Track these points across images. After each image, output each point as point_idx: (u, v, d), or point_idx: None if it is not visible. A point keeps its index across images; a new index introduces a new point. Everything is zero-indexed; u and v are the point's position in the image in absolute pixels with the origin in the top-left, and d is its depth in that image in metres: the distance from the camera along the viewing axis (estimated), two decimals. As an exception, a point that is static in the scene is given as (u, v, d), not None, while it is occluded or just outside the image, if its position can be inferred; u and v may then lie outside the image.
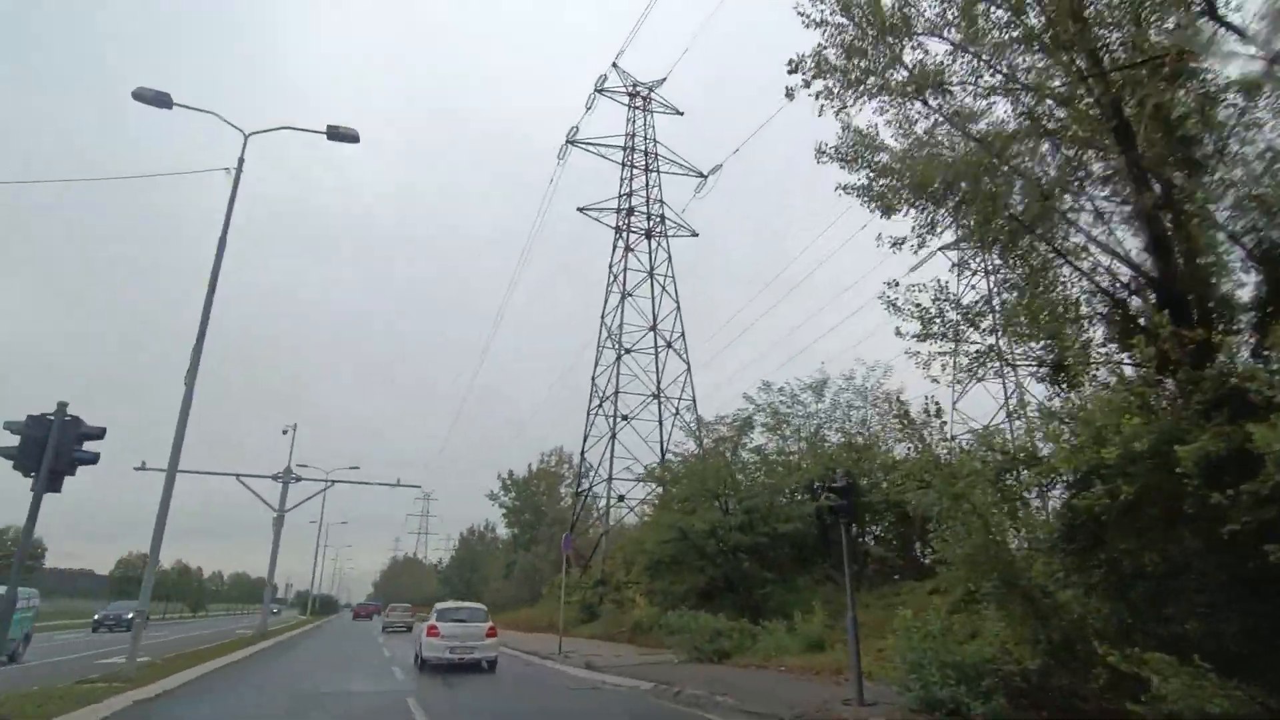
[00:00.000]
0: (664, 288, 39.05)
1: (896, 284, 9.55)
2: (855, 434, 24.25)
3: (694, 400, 36.31)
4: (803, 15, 9.06)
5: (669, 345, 38.10)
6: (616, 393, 35.49)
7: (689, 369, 37.19)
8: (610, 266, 40.66)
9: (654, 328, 38.11)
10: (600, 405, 37.43)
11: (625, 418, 35.78)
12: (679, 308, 38.45)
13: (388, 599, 67.46)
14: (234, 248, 12.89)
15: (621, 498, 35.37)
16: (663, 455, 36.29)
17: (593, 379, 38.89)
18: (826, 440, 24.23)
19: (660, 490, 31.41)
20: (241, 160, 13.11)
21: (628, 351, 37.30)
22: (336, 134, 13.82)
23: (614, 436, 34.52)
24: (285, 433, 25.91)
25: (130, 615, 27.61)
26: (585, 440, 37.98)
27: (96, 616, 30.99)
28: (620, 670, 13.64)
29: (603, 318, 39.67)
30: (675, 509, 21.14)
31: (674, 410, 36.45)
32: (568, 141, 42.30)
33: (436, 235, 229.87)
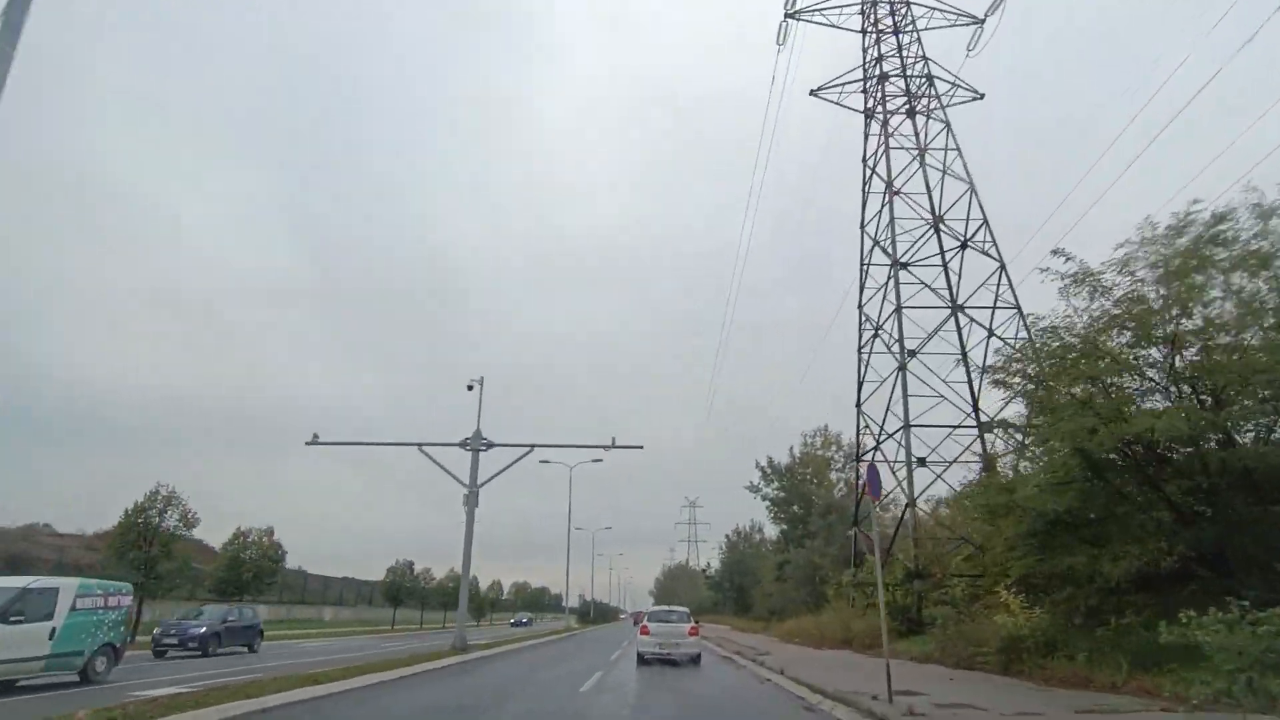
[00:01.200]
0: (945, 170, 28.14)
1: None
2: None
3: (1017, 306, 24.85)
4: None
5: (963, 244, 27.06)
6: (899, 309, 25.39)
7: (1003, 267, 25.77)
8: (864, 160, 30.81)
9: (938, 224, 27.35)
10: (875, 337, 27.60)
11: (912, 353, 25.50)
12: (973, 190, 27.25)
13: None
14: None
15: (922, 460, 24.99)
16: (973, 395, 25.35)
17: (860, 307, 29.21)
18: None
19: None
20: None
21: (903, 266, 27.00)
22: None
23: (903, 369, 24.45)
24: (470, 388, 20.48)
25: (203, 630, 19.51)
26: (860, 389, 28.33)
27: (156, 632, 19.86)
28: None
29: (862, 227, 29.94)
30: (1057, 426, 11.02)
31: (985, 329, 25.34)
32: (786, 16, 33.42)
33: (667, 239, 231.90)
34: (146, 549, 22.73)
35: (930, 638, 16.27)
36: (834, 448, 51.75)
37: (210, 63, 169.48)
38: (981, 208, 26.77)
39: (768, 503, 53.22)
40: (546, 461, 47.95)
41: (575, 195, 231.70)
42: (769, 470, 52.78)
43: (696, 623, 19.03)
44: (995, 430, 23.93)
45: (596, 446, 20.97)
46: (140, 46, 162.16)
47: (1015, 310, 24.77)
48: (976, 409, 24.99)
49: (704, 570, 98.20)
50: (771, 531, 61.37)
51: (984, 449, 24.64)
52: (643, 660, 17.41)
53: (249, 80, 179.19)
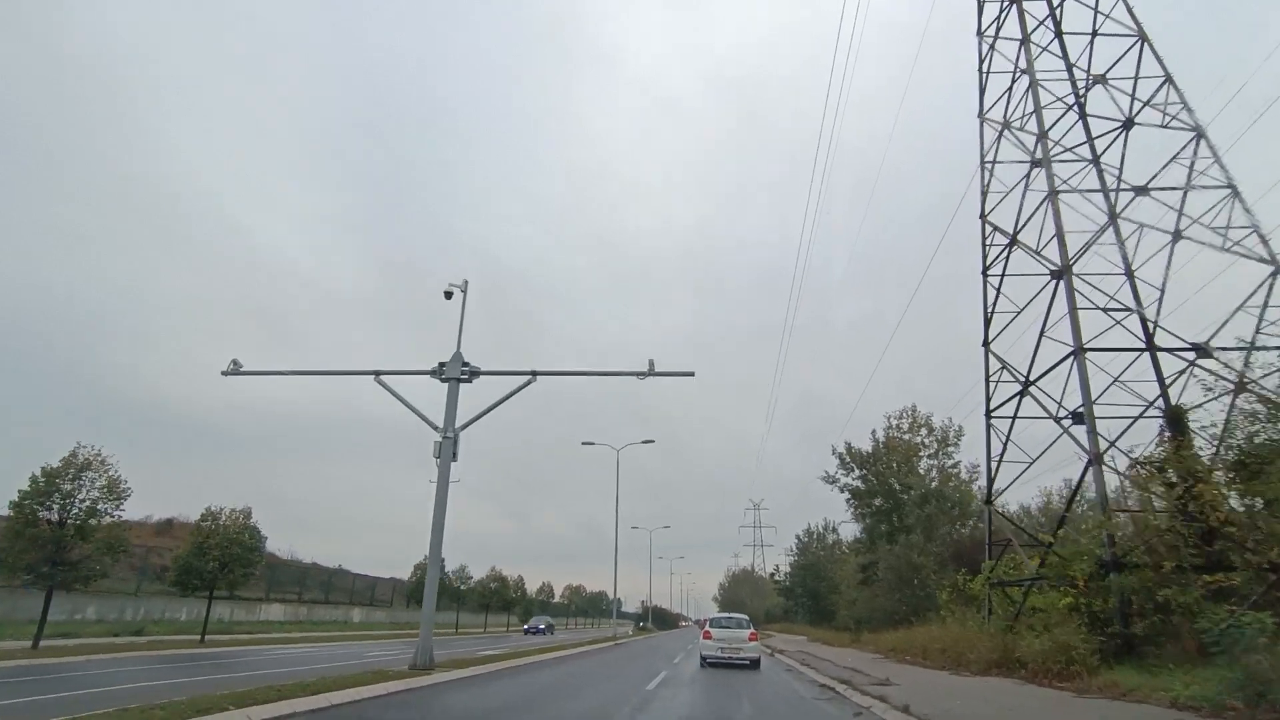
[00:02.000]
0: (1097, 25, 20.83)
1: None
2: None
3: (1231, 185, 17.36)
4: None
5: (1127, 121, 19.81)
6: (1054, 193, 18.23)
7: (1200, 135, 18.30)
8: (979, 33, 23.81)
9: (1088, 93, 20.03)
10: (1009, 249, 20.42)
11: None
12: (1145, 40, 19.83)
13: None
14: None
15: (1078, 416, 17.57)
16: (1146, 328, 17.83)
17: (982, 217, 22.09)
18: None
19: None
20: None
21: (1035, 164, 19.81)
22: None
23: (1064, 274, 17.26)
24: (449, 296, 14.42)
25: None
26: (988, 325, 21.24)
27: None
28: None
29: (981, 116, 22.91)
30: None
31: (1170, 233, 17.94)
32: None
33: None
34: (58, 526, 17.68)
35: (1209, 672, 9.21)
36: (925, 430, 44.04)
37: (285, 88, 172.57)
38: (1160, 61, 19.34)
39: (847, 494, 45.71)
40: (590, 443, 42.20)
41: (644, 202, 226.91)
42: (848, 457, 45.32)
43: (755, 629, 20.13)
44: (1196, 366, 16.77)
45: (629, 373, 14.53)
46: (225, 76, 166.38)
47: (1228, 190, 17.29)
48: (1151, 344, 17.68)
49: (771, 575, 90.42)
50: (849, 531, 53.71)
51: (1167, 402, 17.36)
52: (705, 663, 18.75)
53: (321, 106, 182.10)
